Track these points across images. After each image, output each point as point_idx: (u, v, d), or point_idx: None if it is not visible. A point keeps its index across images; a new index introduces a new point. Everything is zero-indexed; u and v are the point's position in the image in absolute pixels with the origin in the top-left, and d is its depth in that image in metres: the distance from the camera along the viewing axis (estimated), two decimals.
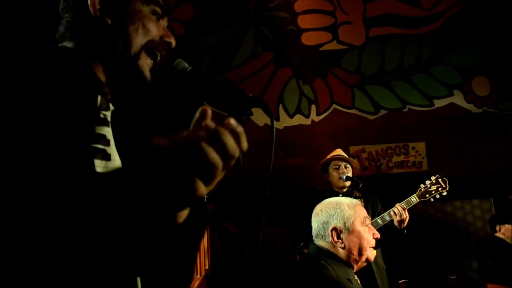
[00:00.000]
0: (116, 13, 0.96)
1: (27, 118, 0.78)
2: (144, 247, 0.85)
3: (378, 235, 1.93)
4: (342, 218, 1.90)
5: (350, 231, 1.88)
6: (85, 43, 0.96)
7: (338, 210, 1.92)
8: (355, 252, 1.87)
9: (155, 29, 0.98)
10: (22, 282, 0.75)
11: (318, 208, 2.03)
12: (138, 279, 0.90)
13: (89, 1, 0.94)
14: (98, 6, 0.94)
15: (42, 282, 0.76)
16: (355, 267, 1.91)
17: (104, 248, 0.82)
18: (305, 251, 3.22)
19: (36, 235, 0.76)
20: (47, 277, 0.76)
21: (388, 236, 3.25)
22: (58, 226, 0.78)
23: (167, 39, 1.01)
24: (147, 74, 1.00)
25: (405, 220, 3.20)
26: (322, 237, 1.94)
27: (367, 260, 1.91)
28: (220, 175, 0.70)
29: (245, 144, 0.71)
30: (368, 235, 1.90)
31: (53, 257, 0.77)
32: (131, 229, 0.83)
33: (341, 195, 3.43)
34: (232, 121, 0.70)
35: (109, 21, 0.95)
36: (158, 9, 0.99)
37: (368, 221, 1.95)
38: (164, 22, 1.03)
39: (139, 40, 0.96)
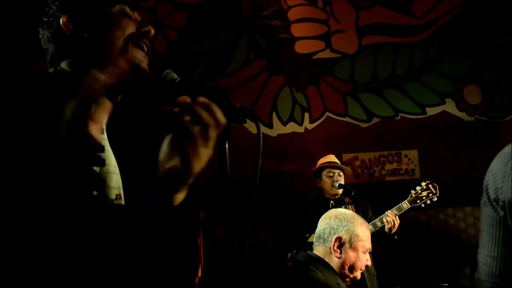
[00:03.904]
0: (90, 24, 1.02)
1: (19, 129, 0.84)
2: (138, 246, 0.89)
3: (370, 263, 1.99)
4: (351, 232, 1.94)
5: (352, 247, 1.92)
6: (75, 60, 1.04)
7: (351, 224, 1.96)
8: (347, 267, 1.92)
9: (130, 25, 1.04)
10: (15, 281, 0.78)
11: (332, 213, 2.07)
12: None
13: (61, 24, 1.02)
14: (70, 26, 1.02)
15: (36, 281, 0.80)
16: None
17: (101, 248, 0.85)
18: None
19: (32, 236, 0.80)
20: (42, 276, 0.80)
21: (379, 241, 3.27)
22: (53, 227, 0.81)
23: (144, 29, 1.06)
24: (143, 64, 1.05)
25: (396, 226, 3.23)
26: (323, 240, 1.97)
27: (354, 279, 1.95)
28: (204, 149, 0.82)
29: (221, 117, 0.83)
30: (364, 260, 1.95)
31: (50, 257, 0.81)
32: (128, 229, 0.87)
33: (332, 201, 3.45)
34: (202, 99, 0.83)
35: (85, 34, 1.02)
36: (127, 8, 1.06)
37: (368, 253, 1.99)
38: (136, 16, 1.09)
39: (120, 38, 1.02)
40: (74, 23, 1.02)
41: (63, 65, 1.05)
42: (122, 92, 1.07)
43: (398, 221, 3.23)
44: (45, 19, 1.04)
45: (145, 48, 1.05)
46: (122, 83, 1.03)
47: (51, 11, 1.04)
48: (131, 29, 1.04)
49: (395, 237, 3.28)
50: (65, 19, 1.01)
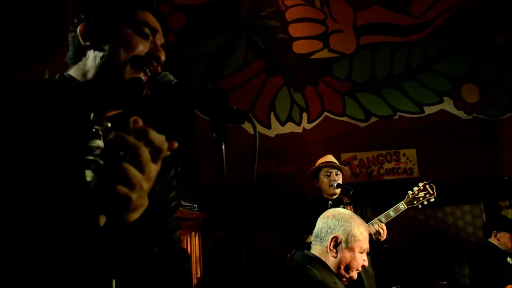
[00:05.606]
0: (99, 36, 1.03)
1: (22, 134, 0.85)
2: (118, 249, 0.88)
3: (366, 264, 1.99)
4: (347, 232, 1.94)
5: (348, 247, 1.92)
6: (81, 68, 1.05)
7: (347, 224, 1.96)
8: (343, 266, 1.92)
9: (140, 46, 1.04)
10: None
11: (330, 212, 2.08)
12: (113, 281, 0.92)
13: (78, 31, 1.04)
14: (84, 35, 1.04)
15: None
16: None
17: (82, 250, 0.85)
18: None
19: (26, 236, 0.81)
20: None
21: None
22: (48, 228, 0.82)
23: (154, 53, 1.05)
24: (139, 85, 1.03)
25: (383, 234, 3.23)
26: (320, 240, 1.99)
27: (351, 278, 1.95)
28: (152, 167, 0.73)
29: (155, 137, 0.73)
30: (360, 261, 1.95)
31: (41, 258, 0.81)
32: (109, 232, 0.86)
33: (330, 202, 3.45)
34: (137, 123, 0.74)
35: (88, 43, 1.03)
36: (145, 29, 1.06)
37: (365, 253, 2.00)
38: (156, 40, 1.09)
39: (121, 56, 1.01)
40: (89, 32, 1.03)
41: (72, 71, 1.07)
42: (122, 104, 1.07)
43: (385, 229, 3.24)
44: (74, 23, 1.06)
45: (148, 72, 1.04)
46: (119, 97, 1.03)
47: (79, 17, 1.06)
48: (138, 51, 1.03)
49: (385, 245, 3.29)
50: (82, 27, 1.04)
